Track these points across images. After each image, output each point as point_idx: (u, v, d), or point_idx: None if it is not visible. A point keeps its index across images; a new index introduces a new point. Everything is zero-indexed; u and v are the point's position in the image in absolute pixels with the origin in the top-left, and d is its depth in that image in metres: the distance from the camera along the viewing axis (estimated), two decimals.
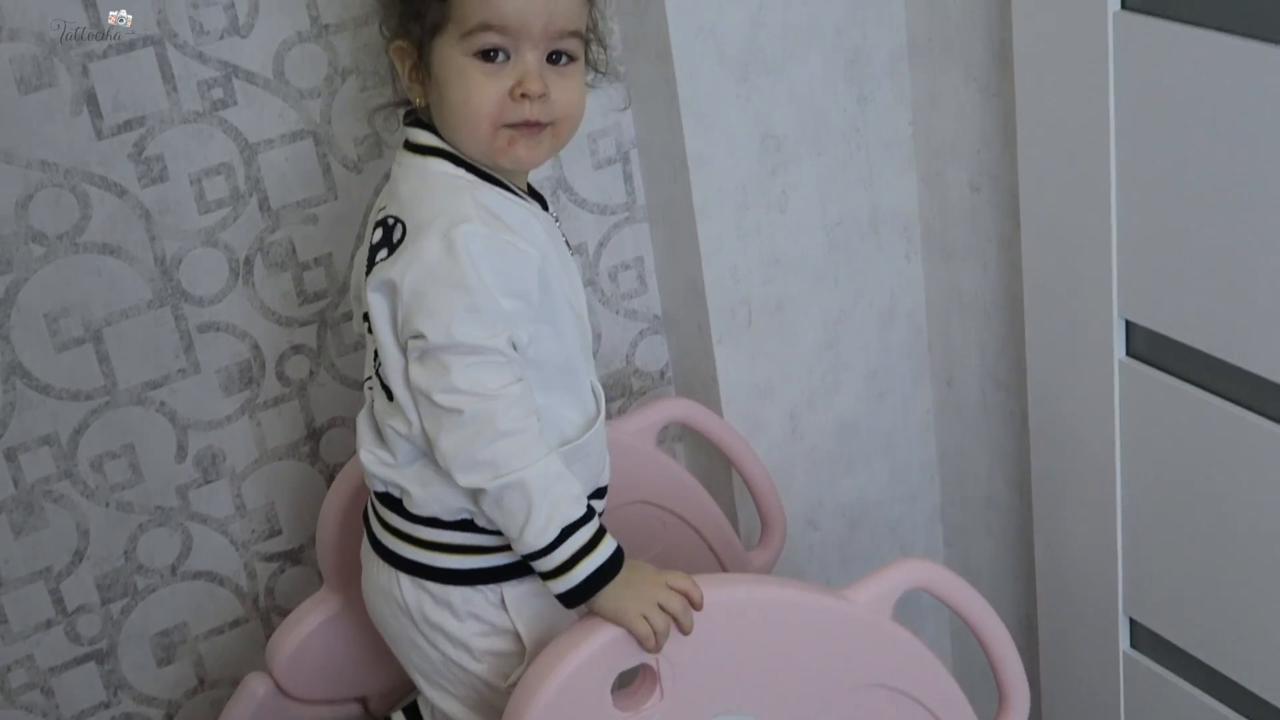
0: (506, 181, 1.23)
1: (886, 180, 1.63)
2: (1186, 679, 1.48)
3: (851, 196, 1.61)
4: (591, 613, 1.18)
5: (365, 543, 1.32)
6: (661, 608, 1.16)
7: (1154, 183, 1.30)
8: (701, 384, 1.65)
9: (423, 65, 1.20)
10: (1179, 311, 1.33)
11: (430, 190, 1.19)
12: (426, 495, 1.22)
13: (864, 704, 1.29)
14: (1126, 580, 1.50)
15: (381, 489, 1.26)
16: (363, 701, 1.51)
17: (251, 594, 1.57)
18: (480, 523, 1.21)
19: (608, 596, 1.16)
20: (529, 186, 1.27)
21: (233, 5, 1.37)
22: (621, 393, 1.69)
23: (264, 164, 1.43)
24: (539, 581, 1.19)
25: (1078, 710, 1.64)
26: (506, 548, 1.20)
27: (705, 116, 1.49)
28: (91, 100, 1.34)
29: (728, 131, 1.51)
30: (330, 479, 1.55)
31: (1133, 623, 1.52)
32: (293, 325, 1.49)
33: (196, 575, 1.53)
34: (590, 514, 1.17)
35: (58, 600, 1.47)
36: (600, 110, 1.55)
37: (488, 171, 1.21)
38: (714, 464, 1.69)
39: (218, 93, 1.39)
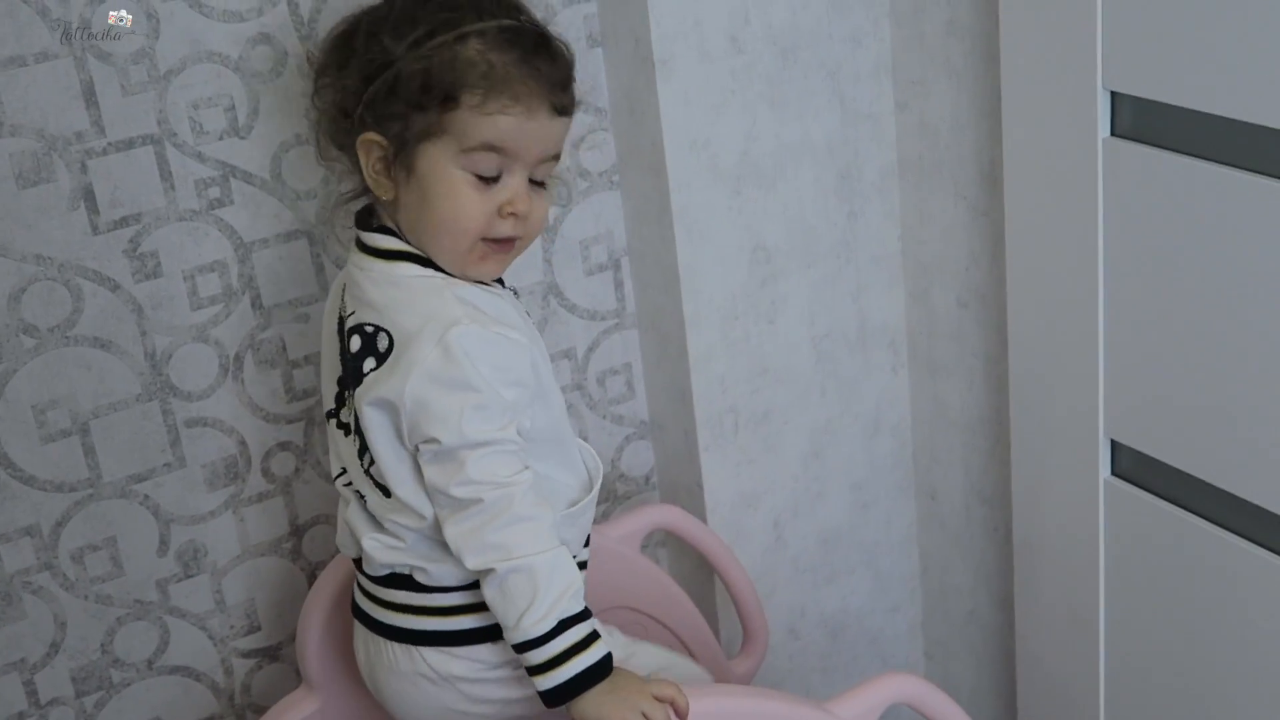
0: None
1: (875, 294, 1.65)
2: None
3: (840, 310, 1.63)
4: (573, 717, 1.17)
5: (366, 636, 1.31)
6: (645, 717, 1.16)
7: (1141, 305, 1.31)
8: (686, 491, 1.65)
9: (398, 163, 1.19)
10: (1164, 432, 1.34)
11: (409, 296, 1.20)
12: (440, 570, 1.23)
13: None
14: (1108, 702, 1.49)
15: (386, 572, 1.26)
16: None
17: (228, 690, 1.55)
18: None
19: (591, 701, 1.16)
20: None
21: (233, 107, 1.38)
22: (606, 497, 1.69)
23: (258, 262, 1.43)
24: None
25: None
26: None
27: (697, 227, 1.51)
28: (89, 196, 1.35)
29: (719, 243, 1.52)
30: (312, 576, 1.54)
31: None
32: (280, 422, 1.49)
33: (173, 670, 1.52)
34: (588, 612, 1.18)
35: (31, 692, 1.46)
36: (593, 218, 1.56)
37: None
38: (697, 571, 1.68)
39: (215, 191, 1.40)
